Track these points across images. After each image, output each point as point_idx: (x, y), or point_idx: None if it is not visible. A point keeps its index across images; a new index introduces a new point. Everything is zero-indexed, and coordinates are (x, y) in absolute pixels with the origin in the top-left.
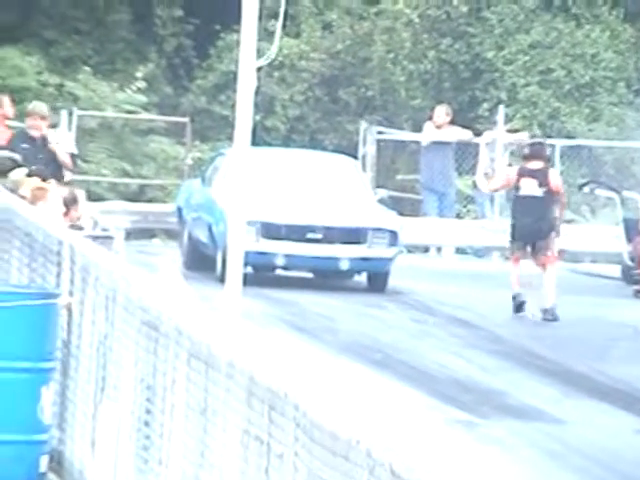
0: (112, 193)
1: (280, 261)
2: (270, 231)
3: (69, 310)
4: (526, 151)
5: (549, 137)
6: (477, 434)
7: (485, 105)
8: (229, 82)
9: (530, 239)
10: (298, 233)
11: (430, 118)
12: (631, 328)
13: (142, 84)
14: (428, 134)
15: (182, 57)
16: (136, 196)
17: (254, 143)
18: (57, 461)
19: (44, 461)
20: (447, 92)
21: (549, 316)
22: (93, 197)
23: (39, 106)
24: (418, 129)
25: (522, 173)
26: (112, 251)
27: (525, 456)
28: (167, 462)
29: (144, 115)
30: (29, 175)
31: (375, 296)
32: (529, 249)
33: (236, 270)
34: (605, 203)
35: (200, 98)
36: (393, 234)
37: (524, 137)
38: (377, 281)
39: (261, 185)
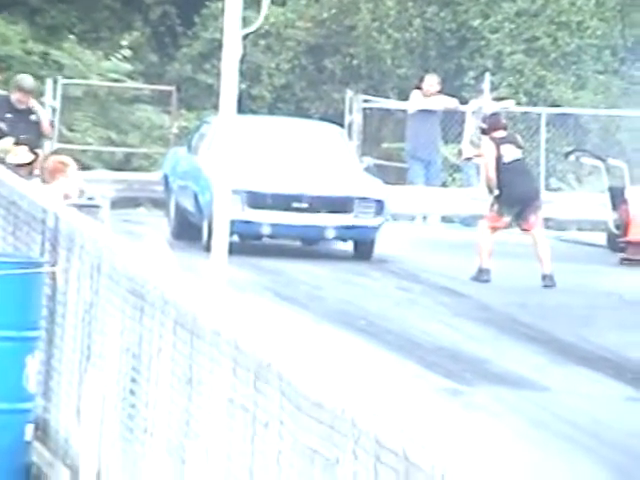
0: (97, 162)
1: (266, 230)
2: (256, 200)
3: (54, 279)
4: (485, 126)
5: (535, 105)
6: (462, 401)
7: (471, 73)
8: (214, 50)
9: (524, 202)
10: (284, 202)
11: (417, 87)
12: (616, 296)
13: (127, 52)
14: (415, 102)
15: (167, 25)
16: (121, 165)
17: (240, 112)
18: (42, 429)
19: (29, 429)
20: (433, 60)
21: (549, 282)
22: (79, 166)
23: (26, 80)
24: (404, 97)
25: (498, 142)
26: (97, 220)
27: (510, 423)
28: (152, 431)
29: (129, 83)
30: (16, 144)
31: (361, 264)
32: (513, 216)
33: (222, 239)
34: (591, 171)
35: (185, 66)
36: (379, 203)
37: (510, 105)
38: (363, 249)
39: (247, 154)
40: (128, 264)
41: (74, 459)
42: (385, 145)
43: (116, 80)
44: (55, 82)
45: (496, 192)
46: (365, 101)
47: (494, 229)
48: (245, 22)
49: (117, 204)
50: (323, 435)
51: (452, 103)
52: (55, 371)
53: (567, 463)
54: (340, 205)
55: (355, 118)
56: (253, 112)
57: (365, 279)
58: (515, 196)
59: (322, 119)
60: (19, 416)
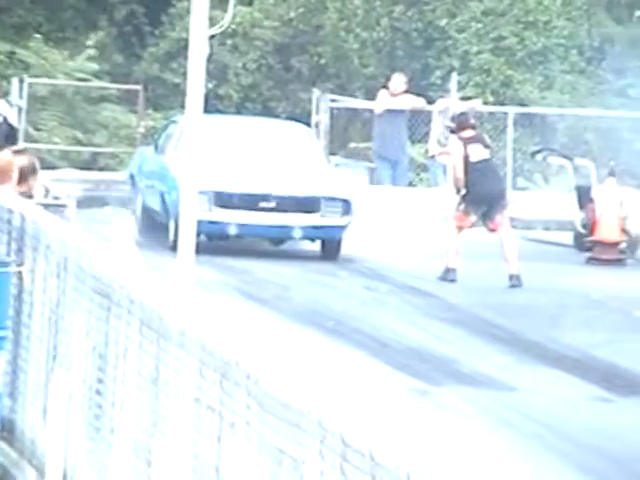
0: (64, 161)
1: (233, 230)
2: (223, 200)
3: (20, 278)
4: (454, 125)
5: (502, 104)
6: (430, 402)
7: (438, 73)
8: (181, 50)
9: (491, 202)
10: (251, 202)
11: (384, 86)
12: (583, 295)
13: (93, 52)
14: (382, 102)
15: (133, 24)
16: (88, 164)
17: (207, 111)
18: (8, 429)
19: None
20: (400, 60)
21: (516, 282)
22: (45, 165)
23: None
24: (371, 97)
25: (466, 142)
26: (64, 219)
27: (478, 423)
28: (119, 431)
29: (96, 83)
30: None
31: (328, 264)
32: (480, 215)
33: (188, 239)
34: (558, 170)
35: (152, 66)
36: (346, 202)
37: (477, 104)
38: (330, 249)
39: (214, 153)
40: (94, 264)
41: (40, 459)
42: (352, 145)
43: (82, 79)
44: (21, 81)
45: (463, 191)
46: (332, 101)
47: (460, 228)
48: (212, 21)
49: (83, 203)
50: (289, 435)
51: (419, 103)
52: (21, 371)
53: (534, 463)
54: (307, 205)
55: (322, 118)
56: (220, 112)
57: (333, 279)
58: (482, 195)
59: (289, 119)
60: None
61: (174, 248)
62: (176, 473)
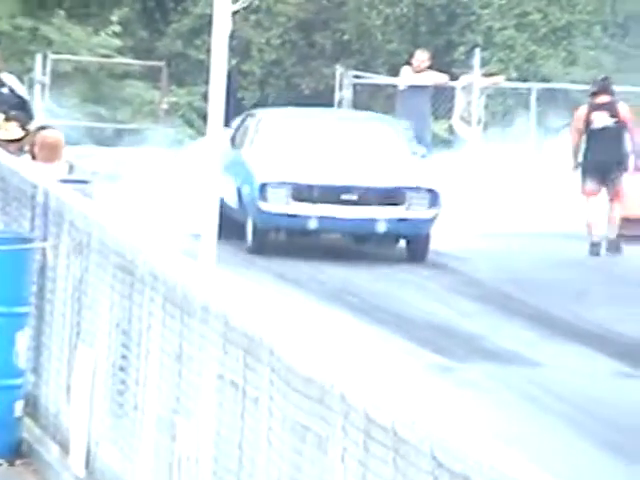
0: (87, 138)
1: (313, 224)
2: (302, 193)
3: (44, 255)
4: (593, 88)
5: (525, 80)
6: (453, 378)
7: (461, 49)
8: (204, 26)
9: (605, 171)
10: (332, 194)
11: (407, 62)
12: (605, 271)
13: (117, 28)
14: (405, 78)
15: (157, 0)
16: (112, 140)
17: (230, 88)
18: (32, 405)
19: (19, 405)
20: (423, 36)
21: (612, 248)
22: (68, 141)
23: None
24: (394, 73)
25: (592, 108)
26: (87, 196)
27: (502, 399)
28: (142, 407)
29: (119, 59)
30: (7, 120)
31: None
32: (600, 183)
33: (211, 217)
34: None
35: (176, 42)
36: (433, 193)
37: (500, 80)
38: (417, 248)
39: (292, 145)
40: (117, 240)
41: (64, 435)
42: None
43: (106, 56)
44: (44, 58)
45: (578, 159)
46: (355, 77)
47: (589, 194)
48: None
49: (107, 180)
50: (313, 411)
51: (442, 79)
52: (45, 347)
53: (557, 438)
54: (391, 196)
55: (345, 94)
56: (243, 88)
57: (357, 258)
58: (596, 164)
59: (312, 95)
60: (9, 392)
61: (253, 251)
62: (199, 449)
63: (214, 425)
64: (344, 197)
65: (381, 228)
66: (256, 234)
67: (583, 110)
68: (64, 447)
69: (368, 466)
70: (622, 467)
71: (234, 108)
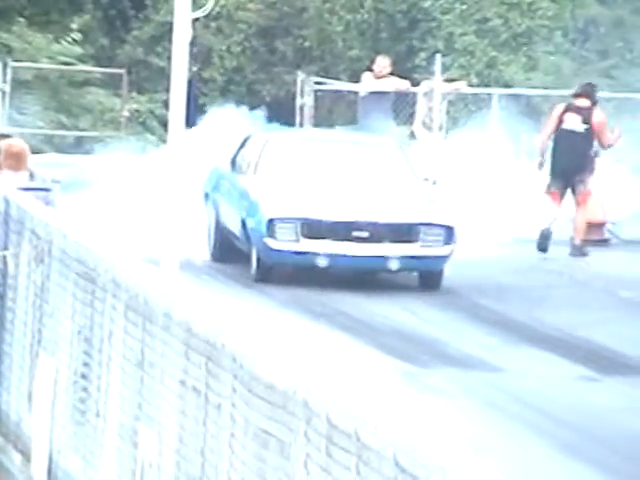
0: (48, 145)
1: (322, 262)
2: (311, 229)
3: (5, 263)
4: (577, 90)
5: (487, 86)
6: (417, 383)
7: (422, 55)
8: (165, 33)
9: (568, 174)
10: (342, 231)
11: (369, 68)
12: (567, 276)
13: (77, 36)
14: (366, 84)
15: (118, 8)
16: (73, 148)
17: (191, 95)
18: None
19: None
20: (384, 42)
21: (577, 252)
22: (29, 149)
23: None
24: (356, 79)
25: (568, 109)
26: (48, 204)
27: (464, 405)
28: (104, 414)
29: (80, 67)
30: None
31: None
32: (564, 185)
33: (176, 220)
34: None
35: (137, 49)
36: (449, 230)
37: (462, 86)
38: (430, 281)
39: (298, 175)
40: (79, 248)
41: (26, 443)
42: (337, 127)
43: (66, 63)
44: (5, 65)
45: (541, 160)
46: (317, 83)
47: (554, 196)
48: (196, 4)
49: (68, 188)
50: (275, 417)
51: (404, 85)
52: (6, 355)
53: (519, 443)
54: (405, 233)
55: (307, 100)
56: (204, 95)
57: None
58: (560, 166)
59: (273, 101)
60: None
61: (257, 280)
62: (162, 456)
63: (176, 432)
64: (355, 234)
65: (394, 266)
66: (261, 266)
67: (559, 109)
68: (26, 455)
69: (331, 472)
70: (584, 471)
71: (195, 115)
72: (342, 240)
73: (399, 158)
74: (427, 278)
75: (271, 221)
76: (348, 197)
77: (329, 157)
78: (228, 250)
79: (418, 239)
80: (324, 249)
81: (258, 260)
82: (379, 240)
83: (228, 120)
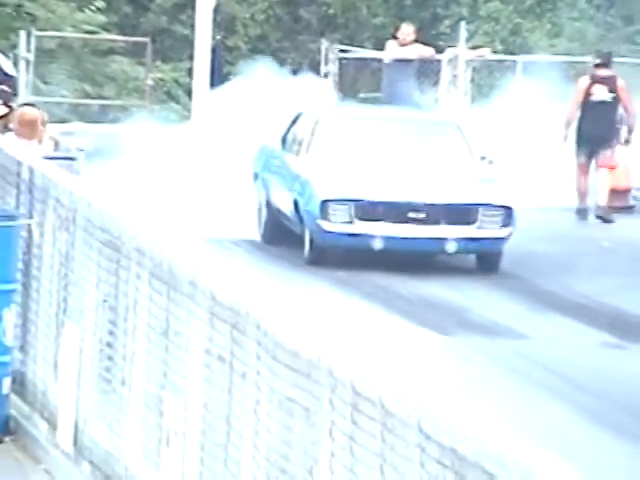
0: (73, 114)
1: (378, 244)
2: (366, 211)
3: (30, 232)
4: (597, 60)
5: (511, 53)
6: (442, 351)
7: (446, 22)
8: (189, 1)
9: (596, 143)
10: (398, 212)
11: (393, 36)
12: (594, 243)
13: (101, 4)
14: (390, 52)
15: None
16: (97, 117)
17: (215, 63)
18: (20, 383)
19: (6, 383)
20: (409, 9)
21: (603, 216)
22: (54, 118)
23: None
24: (380, 47)
25: (594, 80)
26: (73, 172)
27: (489, 372)
28: (130, 382)
29: (104, 35)
30: None
31: None
32: (591, 155)
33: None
34: None
35: (160, 17)
36: (508, 211)
37: (486, 53)
38: (488, 263)
39: (352, 154)
40: (103, 216)
41: (52, 412)
42: (362, 95)
43: (90, 32)
44: (29, 34)
45: (569, 129)
46: (341, 51)
47: (582, 167)
48: None
49: (92, 156)
50: (300, 384)
51: (428, 52)
52: (32, 324)
53: (544, 409)
54: (462, 215)
55: (331, 68)
56: (229, 63)
57: None
58: (589, 135)
59: (298, 69)
60: None
61: (310, 263)
62: (187, 424)
63: (202, 400)
64: (411, 215)
65: (451, 248)
66: (314, 248)
67: (585, 82)
68: (52, 424)
69: (356, 439)
70: (609, 438)
71: (220, 83)
72: (397, 222)
73: (456, 137)
74: (485, 261)
75: (325, 202)
76: (403, 177)
77: (384, 136)
78: (279, 231)
79: (476, 220)
80: (379, 231)
81: (311, 242)
82: (436, 222)
83: (256, 76)
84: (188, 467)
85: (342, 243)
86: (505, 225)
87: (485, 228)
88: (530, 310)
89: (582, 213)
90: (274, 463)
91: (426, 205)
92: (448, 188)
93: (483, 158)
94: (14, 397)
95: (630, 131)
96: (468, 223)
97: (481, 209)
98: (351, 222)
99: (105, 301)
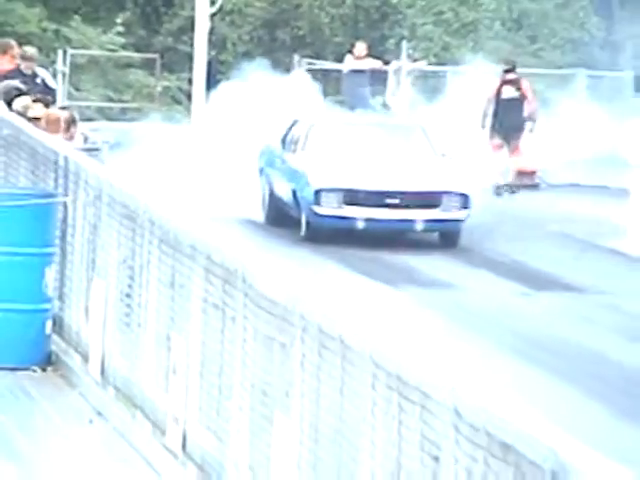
0: (99, 115)
1: (360, 225)
2: (352, 197)
3: (65, 207)
4: (506, 67)
5: (442, 65)
6: (389, 301)
7: (392, 40)
8: (190, 25)
9: (508, 132)
10: (377, 199)
11: (350, 51)
12: (507, 214)
13: (121, 28)
14: (348, 64)
15: (152, 5)
16: (118, 116)
17: (210, 73)
18: (58, 325)
19: (48, 325)
20: (362, 31)
21: (511, 191)
22: (84, 118)
23: (30, 51)
24: (340, 60)
25: (503, 82)
26: (98, 160)
27: (430, 317)
28: (145, 325)
29: (123, 53)
30: (34, 101)
31: None
32: (505, 139)
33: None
34: None
35: (167, 38)
36: (464, 197)
37: (422, 65)
38: (448, 240)
39: (341, 152)
40: (122, 194)
41: (84, 348)
42: (327, 98)
43: (112, 50)
44: (65, 53)
45: (487, 123)
46: (309, 63)
47: (496, 147)
48: (213, 2)
49: (114, 148)
50: (278, 326)
51: (377, 64)
52: (67, 279)
53: (470, 341)
54: (429, 200)
55: None
56: (221, 73)
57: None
58: (502, 124)
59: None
60: (41, 314)
61: (305, 240)
62: (189, 358)
63: (200, 338)
64: (388, 201)
65: (419, 227)
66: (309, 228)
67: (495, 83)
68: (84, 357)
69: (321, 368)
70: (522, 369)
71: (214, 87)
72: (377, 206)
73: (422, 138)
74: (447, 237)
75: (318, 191)
76: (381, 170)
77: (365, 137)
78: (280, 216)
79: (440, 205)
80: (362, 214)
81: (307, 224)
82: (407, 206)
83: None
84: (190, 391)
85: (332, 224)
86: (463, 208)
87: (447, 211)
88: (462, 268)
89: (499, 189)
90: (258, 387)
91: (400, 193)
92: (417, 178)
93: (443, 155)
94: (54, 336)
95: (533, 121)
96: (433, 207)
97: (444, 195)
98: (339, 207)
99: (124, 261)
